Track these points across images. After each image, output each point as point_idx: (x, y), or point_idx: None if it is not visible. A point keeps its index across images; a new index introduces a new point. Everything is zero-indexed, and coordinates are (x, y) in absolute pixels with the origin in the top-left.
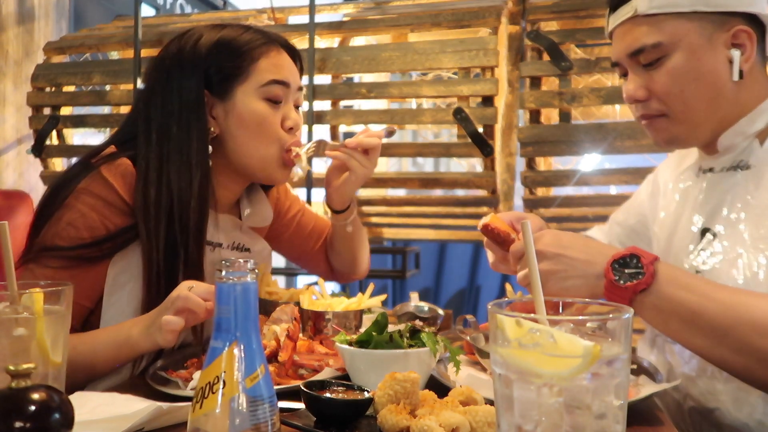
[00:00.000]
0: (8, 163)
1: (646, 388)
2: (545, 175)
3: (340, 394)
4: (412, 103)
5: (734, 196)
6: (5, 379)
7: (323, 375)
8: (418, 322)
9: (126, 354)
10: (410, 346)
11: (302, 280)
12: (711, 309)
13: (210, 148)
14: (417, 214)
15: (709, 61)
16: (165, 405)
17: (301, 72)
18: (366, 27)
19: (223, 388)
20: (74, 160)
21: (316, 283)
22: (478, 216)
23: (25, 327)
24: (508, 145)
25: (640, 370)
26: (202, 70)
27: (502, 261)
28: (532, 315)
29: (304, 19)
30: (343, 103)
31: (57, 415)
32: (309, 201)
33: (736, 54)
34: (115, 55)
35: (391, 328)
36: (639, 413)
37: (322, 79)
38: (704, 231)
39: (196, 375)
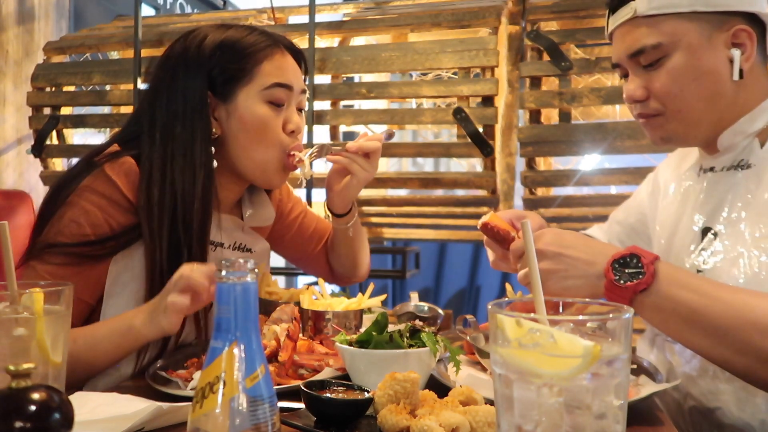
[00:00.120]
0: (8, 163)
1: (646, 388)
2: (545, 175)
3: (340, 394)
4: (412, 103)
5: (735, 196)
6: (5, 379)
7: (323, 375)
8: (418, 322)
9: (128, 344)
10: (410, 346)
11: (302, 280)
12: (712, 308)
13: (213, 149)
14: (417, 214)
15: (710, 60)
16: (165, 405)
17: (305, 73)
18: (366, 27)
19: (223, 388)
20: (74, 160)
21: (316, 283)
22: (478, 216)
23: (25, 327)
24: (508, 145)
25: (640, 370)
26: (206, 71)
27: (502, 259)
28: (532, 315)
29: (304, 19)
30: (343, 103)
31: (57, 415)
32: (309, 202)
33: (736, 53)
34: (115, 55)
35: (391, 328)
36: (639, 413)
37: (322, 79)
38: (705, 230)
39: (196, 375)
